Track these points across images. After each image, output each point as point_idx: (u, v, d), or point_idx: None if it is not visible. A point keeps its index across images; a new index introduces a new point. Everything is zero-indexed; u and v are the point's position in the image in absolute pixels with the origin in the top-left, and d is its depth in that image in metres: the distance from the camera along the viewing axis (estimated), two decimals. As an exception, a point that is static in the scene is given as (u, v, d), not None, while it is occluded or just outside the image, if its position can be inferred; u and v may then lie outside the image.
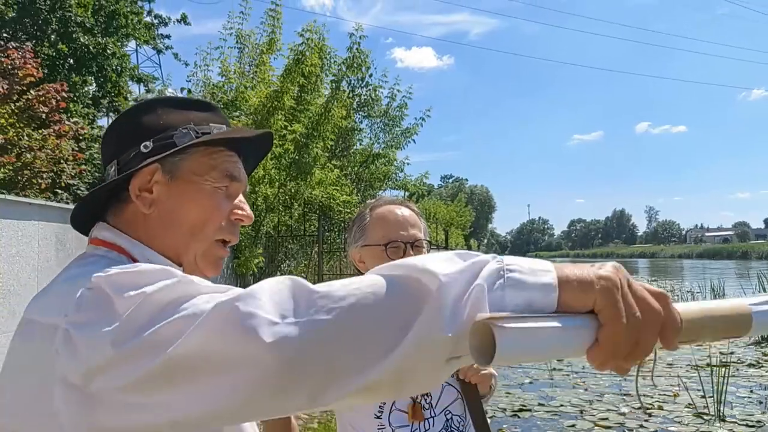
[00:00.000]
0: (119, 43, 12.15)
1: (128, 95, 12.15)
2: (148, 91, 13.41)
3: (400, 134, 14.24)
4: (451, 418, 1.54)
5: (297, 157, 9.27)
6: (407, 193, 15.49)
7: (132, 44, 14.89)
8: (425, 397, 1.53)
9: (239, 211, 0.98)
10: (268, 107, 7.88)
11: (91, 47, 11.01)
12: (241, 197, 0.99)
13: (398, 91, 13.98)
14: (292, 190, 9.46)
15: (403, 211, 1.62)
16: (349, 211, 10.53)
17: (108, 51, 11.27)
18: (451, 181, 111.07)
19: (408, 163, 15.21)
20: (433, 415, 1.52)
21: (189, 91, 9.48)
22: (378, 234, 1.58)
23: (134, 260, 0.89)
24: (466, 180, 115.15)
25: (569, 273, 0.61)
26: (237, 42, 9.69)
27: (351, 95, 11.98)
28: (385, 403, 1.52)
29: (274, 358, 0.59)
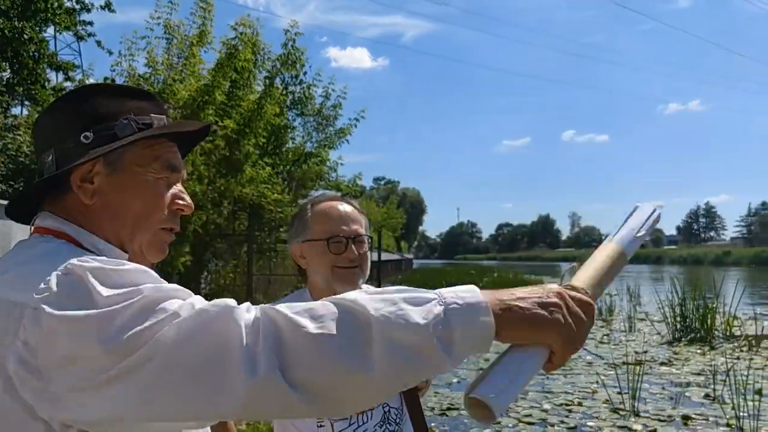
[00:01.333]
0: (37, 28, 11.52)
1: (46, 83, 11.53)
2: (67, 79, 12.78)
3: (334, 134, 14.18)
4: (389, 410, 1.56)
5: (227, 154, 9.06)
6: (340, 194, 15.43)
7: (51, 30, 14.17)
8: None
9: (180, 201, 0.99)
10: (198, 101, 7.66)
11: (6, 31, 10.40)
12: (180, 186, 1.01)
13: (333, 90, 13.95)
14: (222, 188, 9.24)
15: (345, 207, 1.63)
16: (280, 210, 10.39)
17: (25, 36, 10.67)
18: (383, 183, 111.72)
19: (341, 164, 15.21)
20: (371, 408, 1.53)
21: (112, 80, 9.10)
22: (320, 229, 1.59)
23: (82, 248, 0.90)
24: (398, 182, 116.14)
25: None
26: (165, 32, 9.37)
27: (285, 92, 11.84)
28: None
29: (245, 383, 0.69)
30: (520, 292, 0.81)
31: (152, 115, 0.97)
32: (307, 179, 13.79)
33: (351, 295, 0.77)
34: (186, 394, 0.70)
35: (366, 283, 1.70)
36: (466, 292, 0.78)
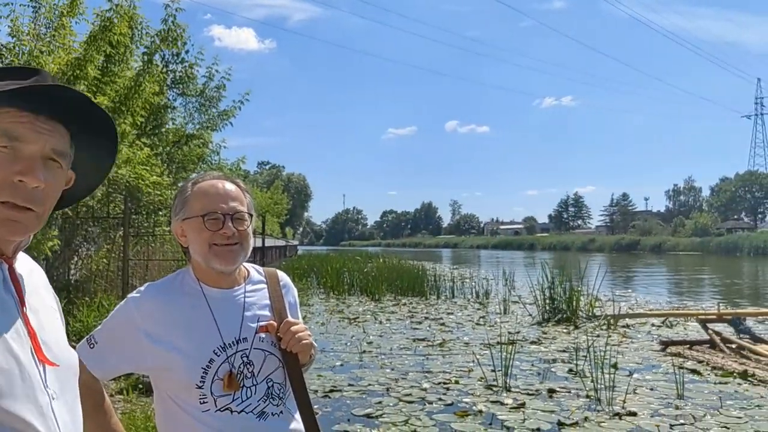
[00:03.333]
0: None
1: None
2: None
3: (217, 116, 13.77)
4: (273, 385, 1.58)
5: (101, 133, 8.49)
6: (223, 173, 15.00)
7: None
8: (247, 366, 1.55)
9: (18, 175, 0.94)
10: (68, 76, 7.12)
11: None
12: (37, 162, 0.96)
13: (216, 71, 13.52)
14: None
15: (226, 185, 1.62)
16: (159, 192, 9.94)
17: None
18: (267, 167, 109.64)
19: (225, 147, 14.79)
20: (255, 383, 1.56)
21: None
22: (198, 206, 1.58)
23: None
24: (283, 167, 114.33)
25: None
26: (31, 0, 8.64)
27: (165, 70, 11.30)
28: (206, 373, 1.51)
29: None
30: None
31: (5, 82, 0.93)
32: (189, 162, 13.29)
33: None
34: None
35: (249, 263, 1.71)
36: None
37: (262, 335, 1.60)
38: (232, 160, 16.25)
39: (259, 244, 29.70)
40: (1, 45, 7.87)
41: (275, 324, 1.62)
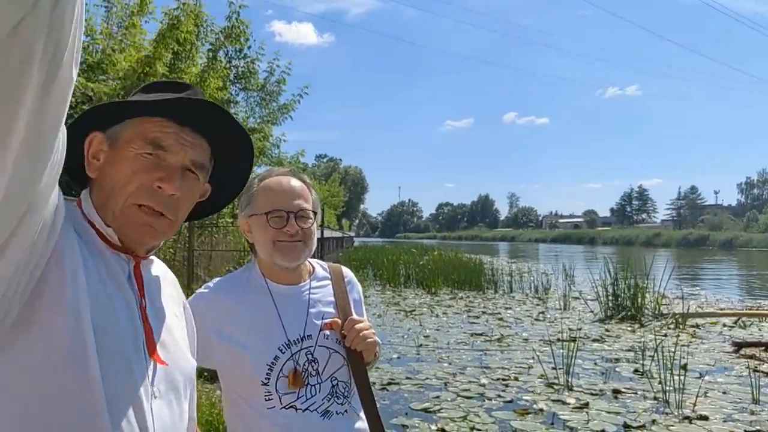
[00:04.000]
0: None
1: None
2: None
3: (277, 110, 13.96)
4: (337, 384, 1.58)
5: (168, 128, 8.72)
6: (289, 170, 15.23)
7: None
8: (312, 364, 1.54)
9: (159, 182, 1.00)
10: (138, 73, 7.35)
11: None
12: (177, 170, 1.01)
13: (277, 66, 13.70)
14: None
15: (292, 182, 1.62)
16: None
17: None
18: (325, 160, 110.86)
19: (284, 140, 15.00)
20: (320, 381, 1.56)
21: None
22: (262, 203, 1.59)
23: (82, 212, 1.01)
24: (340, 160, 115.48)
25: None
26: (104, 0, 8.95)
27: (228, 66, 11.53)
28: (271, 370, 1.51)
29: None
30: None
31: (157, 94, 1.01)
32: (250, 155, 13.49)
33: None
34: None
35: (311, 257, 1.71)
36: None
37: (327, 332, 1.59)
38: (291, 154, 16.48)
39: (318, 235, 30.13)
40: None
41: (339, 321, 1.61)
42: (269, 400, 1.51)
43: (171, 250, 10.38)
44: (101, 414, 0.86)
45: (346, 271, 1.77)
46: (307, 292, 1.64)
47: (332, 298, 1.66)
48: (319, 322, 1.60)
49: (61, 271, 0.87)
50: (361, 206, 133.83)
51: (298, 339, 1.56)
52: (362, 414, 1.60)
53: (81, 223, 0.99)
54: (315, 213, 1.64)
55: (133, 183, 0.99)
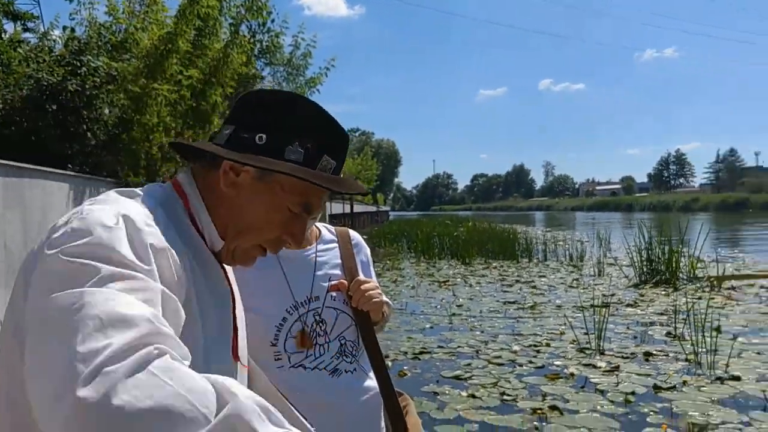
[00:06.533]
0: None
1: (2, 33, 11.10)
2: (26, 30, 12.30)
3: (305, 84, 13.99)
4: (345, 343, 1.62)
5: (194, 105, 8.87)
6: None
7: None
8: (320, 324, 1.58)
9: (291, 237, 1.02)
10: (161, 50, 7.44)
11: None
12: (302, 226, 1.03)
13: (302, 39, 13.69)
14: (190, 140, 9.11)
15: None
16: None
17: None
18: (357, 134, 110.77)
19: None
20: (328, 341, 1.60)
21: (72, 30, 8.75)
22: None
23: (189, 212, 0.98)
24: (373, 133, 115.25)
25: None
26: (126, -21, 9.05)
27: (252, 41, 11.57)
28: (280, 331, 1.55)
29: None
30: None
31: (327, 157, 1.00)
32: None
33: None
34: None
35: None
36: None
37: (334, 294, 1.62)
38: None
39: (348, 210, 30.32)
40: (100, 24, 8.32)
41: (346, 283, 1.64)
42: (278, 359, 1.55)
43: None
44: None
45: (353, 234, 1.79)
46: (314, 255, 1.67)
47: (339, 261, 1.68)
48: (326, 284, 1.63)
49: (187, 312, 0.84)
50: (396, 180, 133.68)
51: (305, 300, 1.59)
52: (371, 373, 1.63)
53: (187, 226, 0.97)
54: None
55: (273, 233, 1.01)
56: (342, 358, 1.59)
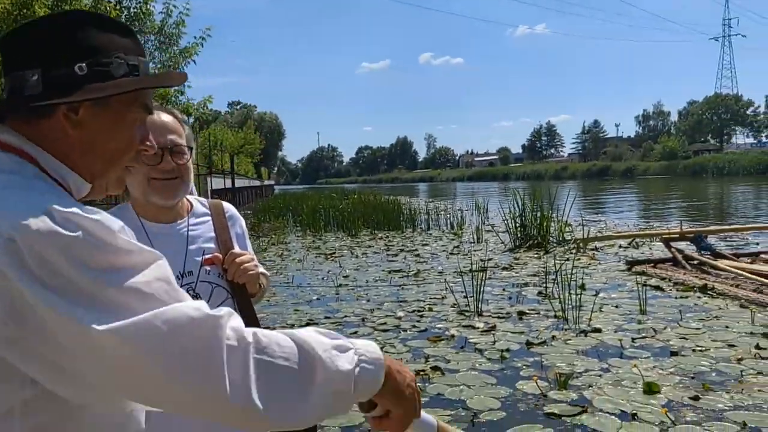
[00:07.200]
0: None
1: None
2: None
3: (178, 54, 13.35)
4: None
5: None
6: (191, 119, 14.73)
7: None
8: (195, 299, 1.56)
9: (147, 143, 1.03)
10: (14, 15, 6.80)
11: None
12: (146, 128, 1.04)
13: (174, 6, 13.01)
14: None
15: (162, 116, 1.59)
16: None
17: None
18: (239, 107, 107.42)
19: (189, 86, 14.43)
20: None
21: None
22: None
23: (44, 171, 0.92)
24: (255, 107, 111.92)
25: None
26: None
27: (118, 7, 10.85)
28: None
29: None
30: (398, 365, 1.00)
31: (139, 58, 1.00)
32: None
33: (303, 334, 0.90)
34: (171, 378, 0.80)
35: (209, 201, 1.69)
36: (371, 347, 0.96)
37: (208, 268, 1.60)
38: (198, 100, 15.85)
39: (229, 184, 29.50)
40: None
41: (220, 256, 1.62)
42: None
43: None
44: None
45: (227, 206, 1.77)
46: (185, 229, 1.63)
47: (213, 234, 1.66)
48: (199, 259, 1.60)
49: None
50: (279, 153, 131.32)
51: (178, 276, 1.55)
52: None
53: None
54: (191, 148, 1.63)
55: (134, 148, 1.03)
56: None
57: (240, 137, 48.75)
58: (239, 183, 33.79)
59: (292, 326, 6.39)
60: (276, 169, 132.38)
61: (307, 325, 6.31)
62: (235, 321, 0.87)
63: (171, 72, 1.18)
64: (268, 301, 7.60)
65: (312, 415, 0.88)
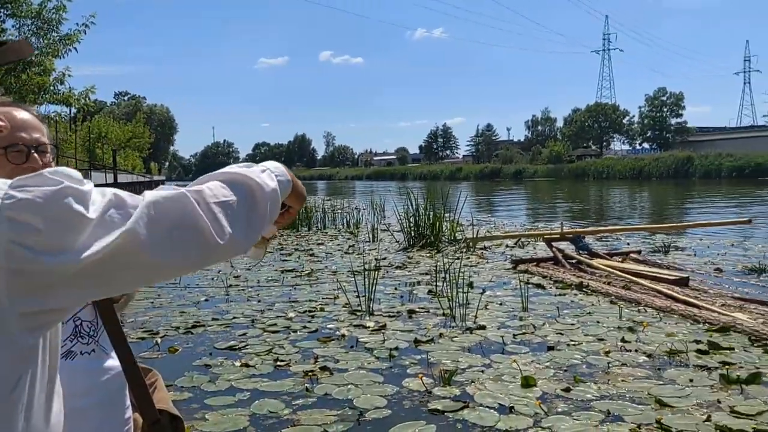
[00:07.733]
0: None
1: None
2: None
3: (59, 40, 12.49)
4: (81, 323, 1.52)
5: None
6: (72, 110, 13.84)
7: None
8: None
9: None
10: None
11: None
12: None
13: (53, -11, 12.15)
14: None
15: (22, 114, 1.47)
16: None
17: None
18: (126, 98, 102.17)
19: (71, 75, 13.52)
20: (63, 322, 1.48)
21: None
22: None
23: None
24: (144, 98, 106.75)
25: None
26: None
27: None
28: None
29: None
30: (291, 171, 1.12)
31: None
32: (28, 92, 12.04)
33: (232, 172, 1.00)
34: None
35: None
36: (276, 164, 1.09)
37: None
38: (80, 90, 14.91)
39: (111, 180, 27.91)
40: None
41: None
42: None
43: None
44: None
45: None
46: None
47: None
48: None
49: None
50: (171, 148, 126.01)
51: None
52: (113, 353, 1.57)
53: None
54: (55, 147, 1.53)
55: None
56: (77, 339, 1.50)
57: (127, 130, 46.37)
58: (123, 178, 32.09)
59: (177, 329, 6.17)
60: (167, 164, 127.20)
61: (194, 327, 6.17)
62: (178, 189, 0.93)
63: (10, 45, 1.14)
64: (152, 303, 7.29)
65: (264, 226, 1.00)
